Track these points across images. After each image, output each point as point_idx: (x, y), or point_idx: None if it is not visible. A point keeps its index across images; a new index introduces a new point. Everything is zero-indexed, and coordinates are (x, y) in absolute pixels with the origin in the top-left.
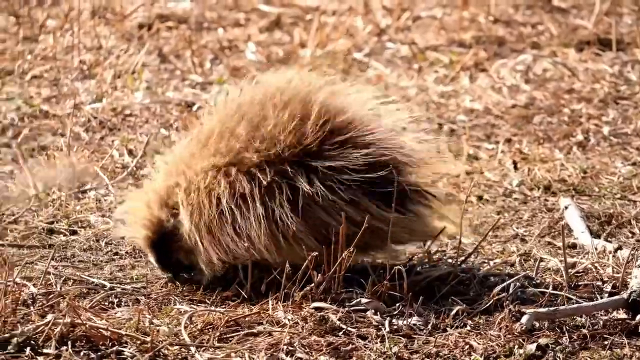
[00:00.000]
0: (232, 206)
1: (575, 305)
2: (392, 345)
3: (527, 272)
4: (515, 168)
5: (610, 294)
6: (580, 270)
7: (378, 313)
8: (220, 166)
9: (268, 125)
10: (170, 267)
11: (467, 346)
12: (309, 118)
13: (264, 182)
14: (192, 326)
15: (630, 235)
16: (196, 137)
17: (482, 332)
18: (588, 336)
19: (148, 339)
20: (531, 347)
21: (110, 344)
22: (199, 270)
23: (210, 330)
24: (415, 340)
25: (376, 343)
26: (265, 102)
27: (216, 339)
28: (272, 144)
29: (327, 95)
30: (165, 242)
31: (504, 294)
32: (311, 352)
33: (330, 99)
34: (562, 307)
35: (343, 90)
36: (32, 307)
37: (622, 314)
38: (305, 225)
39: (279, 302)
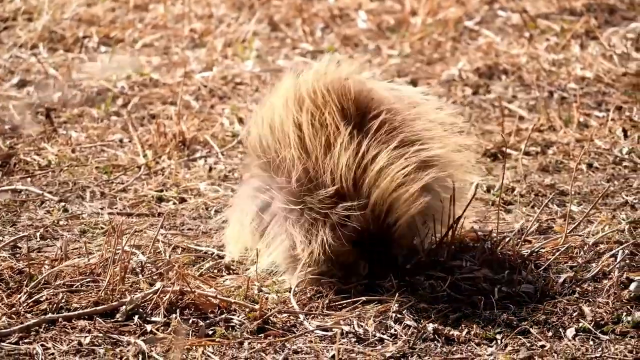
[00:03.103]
0: None
1: None
2: (500, 313)
3: (637, 239)
4: (626, 136)
5: None
6: None
7: (487, 281)
8: None
9: None
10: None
11: (576, 313)
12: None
13: None
14: (300, 294)
15: None
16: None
17: (590, 299)
18: None
19: (257, 306)
20: (639, 314)
21: (218, 311)
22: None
23: (319, 298)
24: (524, 307)
25: (485, 310)
26: None
27: (325, 306)
28: None
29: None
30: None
31: (612, 261)
32: (420, 320)
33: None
34: None
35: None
36: (140, 275)
37: None
38: None
39: (389, 271)
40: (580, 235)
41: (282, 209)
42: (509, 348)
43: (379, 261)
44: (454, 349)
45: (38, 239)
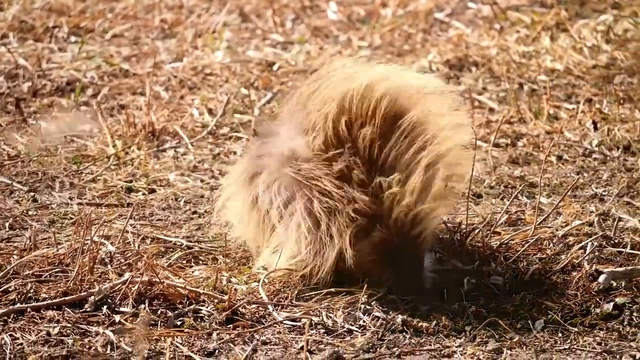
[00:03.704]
0: None
1: None
2: (469, 304)
3: (606, 231)
4: (595, 128)
5: None
6: None
7: (456, 272)
8: None
9: None
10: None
11: (544, 305)
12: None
13: None
14: (269, 285)
15: None
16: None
17: (559, 291)
18: None
19: (225, 297)
20: (608, 307)
21: (187, 302)
22: None
23: (288, 289)
24: (493, 299)
25: (454, 302)
26: None
27: (294, 297)
28: None
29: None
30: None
31: (581, 253)
32: (389, 311)
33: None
34: (639, 267)
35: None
36: (109, 266)
37: None
38: None
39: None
40: (549, 227)
41: (301, 214)
42: (478, 340)
43: (406, 268)
44: (423, 340)
45: (7, 229)
